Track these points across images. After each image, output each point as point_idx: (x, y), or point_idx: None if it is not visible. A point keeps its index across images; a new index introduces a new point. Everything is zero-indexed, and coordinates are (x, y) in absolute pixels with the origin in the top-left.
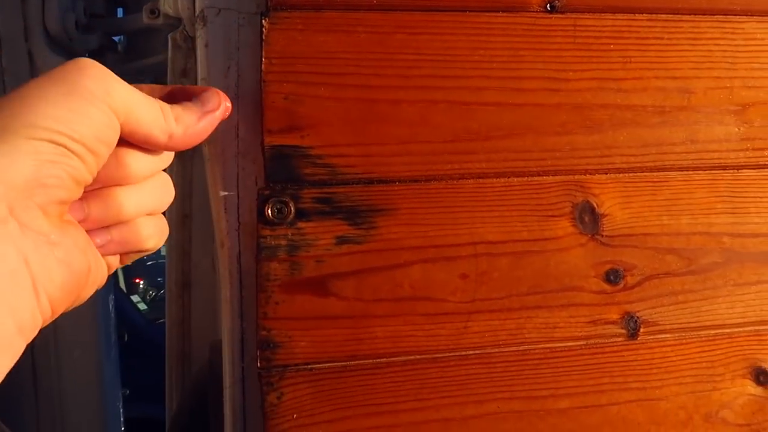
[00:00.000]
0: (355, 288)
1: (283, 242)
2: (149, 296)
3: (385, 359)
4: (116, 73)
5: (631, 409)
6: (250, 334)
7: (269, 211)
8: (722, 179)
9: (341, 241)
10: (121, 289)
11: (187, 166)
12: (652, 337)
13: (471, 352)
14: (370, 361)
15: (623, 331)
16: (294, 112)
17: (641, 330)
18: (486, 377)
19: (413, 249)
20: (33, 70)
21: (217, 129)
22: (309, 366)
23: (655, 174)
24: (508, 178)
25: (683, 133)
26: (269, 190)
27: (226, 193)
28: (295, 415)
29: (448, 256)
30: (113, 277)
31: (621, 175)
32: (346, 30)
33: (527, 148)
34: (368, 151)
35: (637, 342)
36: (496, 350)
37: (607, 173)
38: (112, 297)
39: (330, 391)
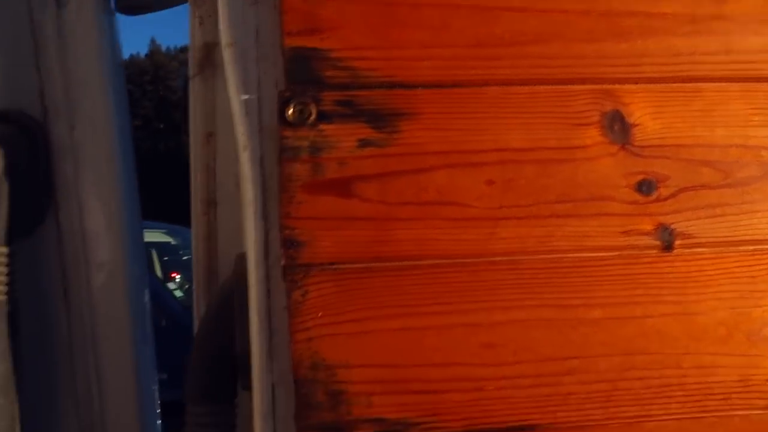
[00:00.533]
0: (378, 190)
1: (305, 143)
2: (184, 289)
3: (409, 262)
4: None
5: (667, 323)
6: (274, 236)
7: (290, 112)
8: (759, 91)
9: (364, 144)
10: (158, 277)
11: (209, 83)
12: (688, 250)
13: (498, 258)
14: (395, 263)
15: (657, 242)
16: (314, 14)
17: (676, 242)
18: (514, 283)
19: (438, 154)
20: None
21: (236, 34)
22: (333, 266)
23: (687, 84)
24: (534, 85)
25: (716, 43)
26: (290, 91)
27: (247, 96)
28: (320, 314)
29: (473, 162)
30: (149, 269)
31: (652, 84)
32: None
33: (554, 54)
34: (390, 54)
35: (672, 254)
36: (525, 257)
37: (637, 83)
38: (146, 291)
39: (355, 291)
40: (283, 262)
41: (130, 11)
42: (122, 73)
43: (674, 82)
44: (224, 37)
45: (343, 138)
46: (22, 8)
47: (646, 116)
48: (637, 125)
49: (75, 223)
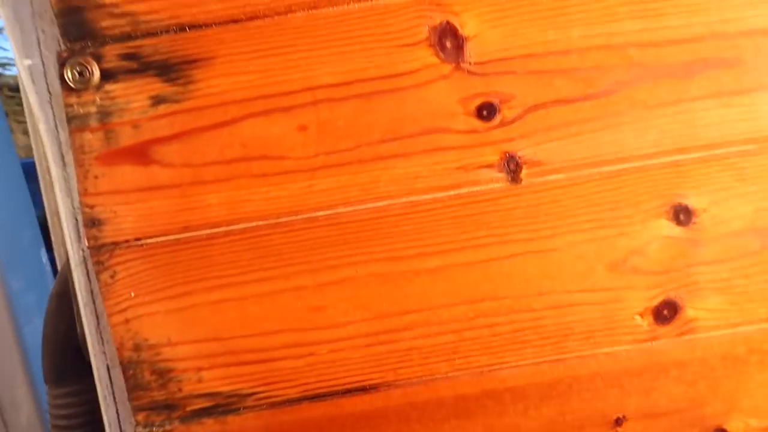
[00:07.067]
0: (179, 153)
1: (93, 109)
2: None
3: (221, 228)
4: None
5: (516, 264)
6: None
7: (69, 75)
8: None
9: (157, 101)
10: None
11: None
12: (538, 179)
13: (319, 214)
14: (205, 231)
15: (501, 174)
16: None
17: (524, 171)
18: (338, 240)
19: (240, 102)
20: None
21: None
22: (140, 242)
23: None
24: (346, 5)
25: None
26: (67, 51)
27: (29, 61)
28: (132, 293)
29: (281, 106)
30: None
31: None
32: None
33: None
34: None
35: (520, 186)
36: (348, 209)
37: None
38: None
39: (166, 266)
40: (86, 244)
41: None
42: None
43: None
44: None
45: (133, 97)
46: None
47: (483, 24)
48: (473, 37)
49: None
